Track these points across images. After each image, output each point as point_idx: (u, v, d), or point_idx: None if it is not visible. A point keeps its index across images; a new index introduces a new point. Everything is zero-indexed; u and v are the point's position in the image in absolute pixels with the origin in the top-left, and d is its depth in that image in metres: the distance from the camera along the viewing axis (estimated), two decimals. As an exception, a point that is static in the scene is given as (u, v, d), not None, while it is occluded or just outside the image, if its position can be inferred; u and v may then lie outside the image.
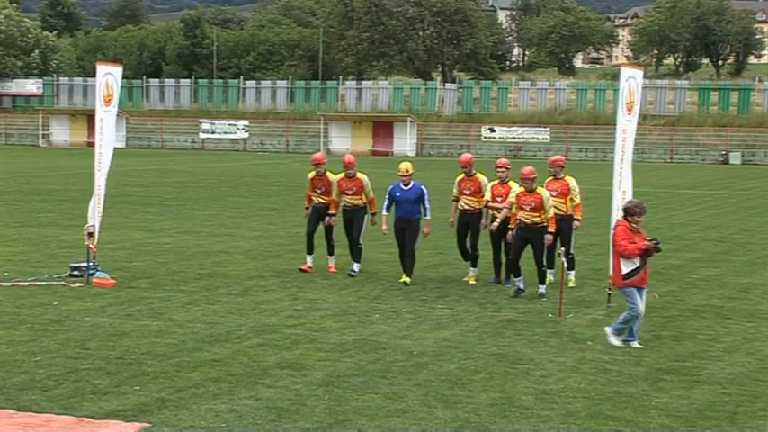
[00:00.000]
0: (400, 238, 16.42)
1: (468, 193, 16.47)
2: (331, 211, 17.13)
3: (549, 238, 15.20)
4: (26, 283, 15.53)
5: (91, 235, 16.19)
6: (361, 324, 13.10)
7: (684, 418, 9.29)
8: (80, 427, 8.60)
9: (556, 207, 15.59)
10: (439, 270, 17.46)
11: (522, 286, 15.23)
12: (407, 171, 16.34)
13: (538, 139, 66.43)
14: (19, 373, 10.27)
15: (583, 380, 10.48)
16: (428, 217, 16.37)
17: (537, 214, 15.01)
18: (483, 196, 16.36)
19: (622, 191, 14.73)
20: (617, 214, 14.62)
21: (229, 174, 44.00)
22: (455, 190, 16.66)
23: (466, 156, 16.87)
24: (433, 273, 17.32)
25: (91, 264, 16.01)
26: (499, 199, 15.96)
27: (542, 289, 15.21)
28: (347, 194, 16.97)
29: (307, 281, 16.34)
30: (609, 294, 14.70)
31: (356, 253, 17.01)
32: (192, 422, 8.79)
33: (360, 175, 16.98)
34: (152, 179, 39.50)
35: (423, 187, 16.41)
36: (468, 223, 16.52)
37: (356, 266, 16.97)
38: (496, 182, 16.23)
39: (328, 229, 17.25)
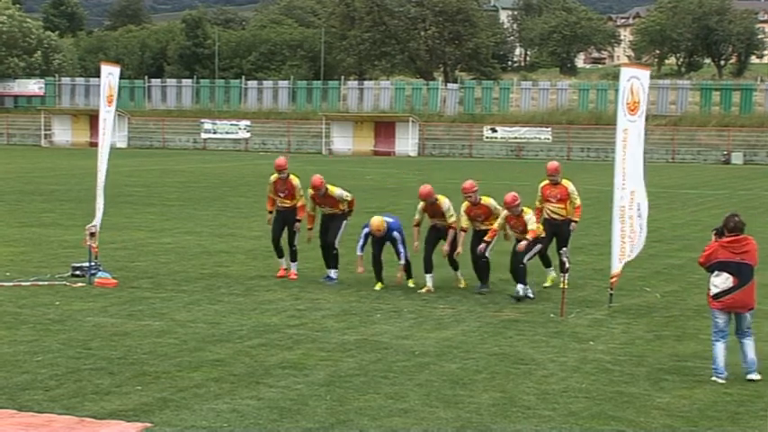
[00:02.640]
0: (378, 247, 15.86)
1: (435, 217, 15.82)
2: (298, 217, 16.50)
3: (521, 245, 14.95)
4: (28, 283, 15.53)
5: (93, 235, 16.20)
6: (362, 324, 13.11)
7: (686, 417, 9.29)
8: (82, 427, 8.61)
9: (556, 212, 16.11)
10: (440, 270, 17.43)
11: (528, 294, 15.11)
12: (379, 230, 15.50)
13: (540, 139, 66.39)
14: (21, 373, 10.28)
15: (584, 380, 10.49)
16: (402, 262, 15.75)
17: (525, 234, 15.11)
18: (448, 219, 15.62)
19: (630, 191, 14.65)
20: (617, 213, 14.63)
21: (231, 174, 44.00)
22: (418, 216, 15.92)
23: (425, 188, 15.80)
24: (433, 273, 17.27)
25: (93, 264, 16.02)
26: (478, 220, 15.48)
27: (519, 289, 15.03)
28: (322, 207, 16.43)
29: (308, 281, 16.33)
30: (611, 295, 14.70)
31: (333, 258, 16.37)
32: (193, 422, 8.79)
33: (332, 189, 16.26)
34: (154, 179, 39.50)
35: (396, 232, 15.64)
36: (440, 236, 15.94)
37: (333, 273, 16.38)
38: (467, 204, 15.49)
39: (292, 235, 16.64)
